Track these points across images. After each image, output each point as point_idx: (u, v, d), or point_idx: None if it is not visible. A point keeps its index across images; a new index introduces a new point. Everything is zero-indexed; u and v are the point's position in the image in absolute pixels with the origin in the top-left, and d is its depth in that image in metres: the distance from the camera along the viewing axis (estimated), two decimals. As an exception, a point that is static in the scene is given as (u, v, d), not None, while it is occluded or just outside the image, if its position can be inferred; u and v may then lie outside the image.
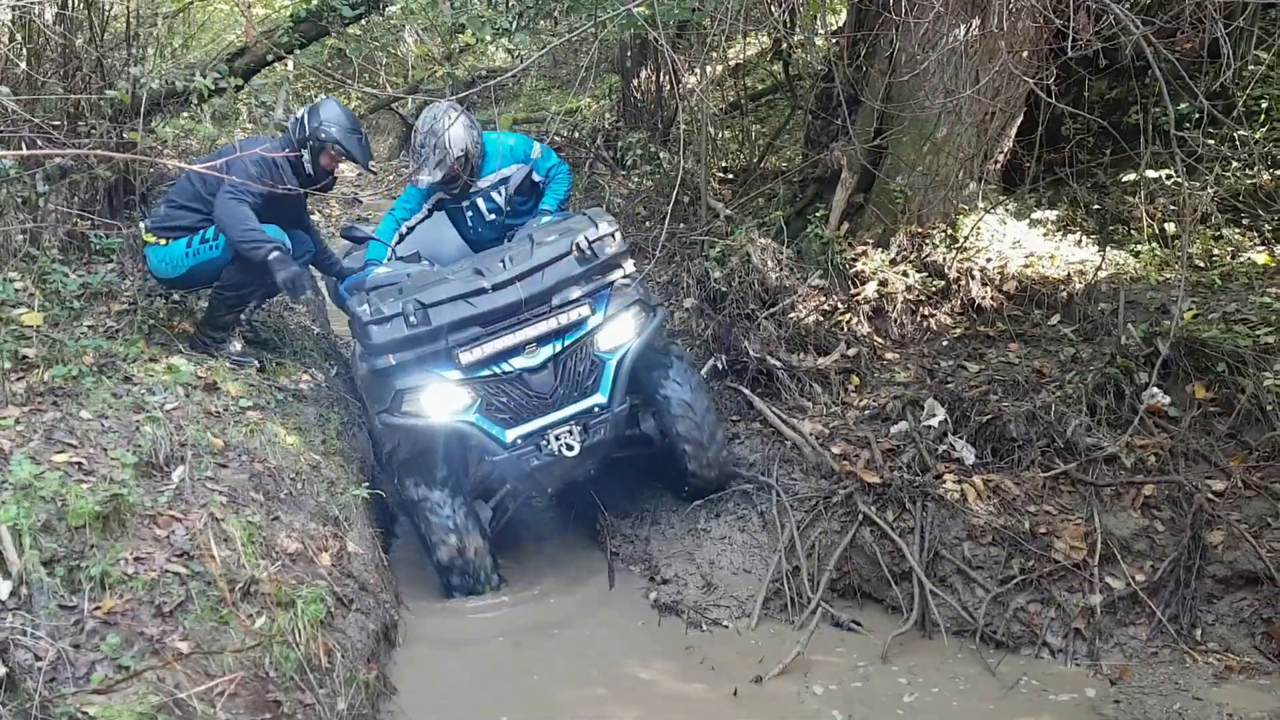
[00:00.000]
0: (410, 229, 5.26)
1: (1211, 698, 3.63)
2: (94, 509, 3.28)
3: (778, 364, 5.65)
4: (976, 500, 4.51)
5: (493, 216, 5.31)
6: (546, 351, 4.44)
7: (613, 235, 4.65)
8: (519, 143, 5.32)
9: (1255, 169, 5.93)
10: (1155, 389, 4.69)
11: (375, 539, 4.65)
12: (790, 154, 8.63)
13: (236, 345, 5.09)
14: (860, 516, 4.55)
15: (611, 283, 4.63)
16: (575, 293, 4.49)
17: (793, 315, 5.96)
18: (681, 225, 7.11)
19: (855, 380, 5.59)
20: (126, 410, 4.01)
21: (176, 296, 5.24)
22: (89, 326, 4.59)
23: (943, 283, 6.03)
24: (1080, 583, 4.18)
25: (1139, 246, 5.93)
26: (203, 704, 2.89)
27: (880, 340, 5.88)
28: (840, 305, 6.04)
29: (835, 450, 4.97)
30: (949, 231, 6.15)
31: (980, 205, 6.22)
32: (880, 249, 6.21)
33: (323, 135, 4.84)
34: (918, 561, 4.36)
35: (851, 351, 5.79)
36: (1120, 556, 4.22)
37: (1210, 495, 4.26)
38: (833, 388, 5.57)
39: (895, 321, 5.98)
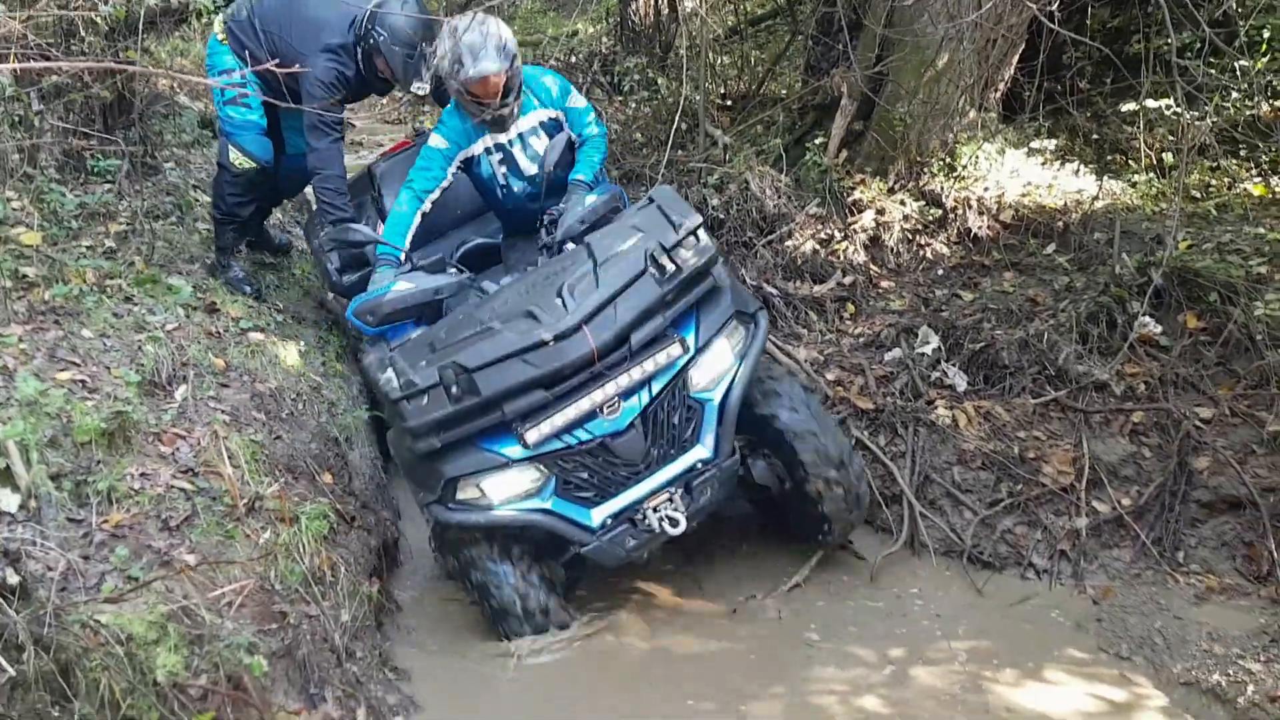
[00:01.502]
0: (434, 204, 4.20)
1: (1191, 617, 3.74)
2: (99, 425, 3.33)
3: (774, 291, 5.68)
4: (967, 426, 4.58)
5: (533, 170, 4.27)
6: (631, 407, 3.49)
7: (695, 233, 3.63)
8: (554, 81, 4.28)
9: (1255, 99, 5.92)
10: (1147, 318, 4.73)
11: (376, 460, 4.72)
12: (790, 80, 8.56)
13: (236, 270, 5.08)
14: (853, 441, 4.62)
15: (700, 298, 3.64)
16: (658, 323, 3.48)
17: (790, 243, 5.97)
18: (680, 152, 7.07)
19: (851, 308, 5.63)
20: (128, 330, 4.04)
21: (175, 218, 5.24)
22: (88, 247, 4.60)
23: (940, 212, 6.03)
24: (1067, 506, 4.28)
25: (1136, 176, 5.93)
26: (211, 614, 2.97)
27: (876, 269, 5.91)
28: (837, 234, 6.05)
29: (830, 377, 5.03)
30: (947, 160, 6.14)
31: (980, 134, 6.20)
32: (878, 177, 6.20)
33: (372, 40, 4.49)
34: (908, 485, 4.45)
35: (847, 280, 5.81)
36: (1107, 481, 4.30)
37: (1198, 422, 4.34)
38: (828, 315, 5.62)
39: (891, 250, 5.99)
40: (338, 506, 3.88)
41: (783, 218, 6.05)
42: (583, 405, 3.40)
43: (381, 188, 4.92)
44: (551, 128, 4.25)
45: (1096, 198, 5.76)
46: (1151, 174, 5.87)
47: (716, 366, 3.61)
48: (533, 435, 3.39)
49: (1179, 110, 5.05)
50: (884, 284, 5.77)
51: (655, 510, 3.54)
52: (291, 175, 5.16)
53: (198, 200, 5.45)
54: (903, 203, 6.05)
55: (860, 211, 6.08)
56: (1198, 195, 5.78)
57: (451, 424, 3.40)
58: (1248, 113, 5.99)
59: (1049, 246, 5.69)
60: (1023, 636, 3.80)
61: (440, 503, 3.55)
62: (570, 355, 3.34)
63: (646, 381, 3.48)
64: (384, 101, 13.15)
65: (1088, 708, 3.40)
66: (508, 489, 3.51)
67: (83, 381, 3.62)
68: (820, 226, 6.07)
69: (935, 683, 3.52)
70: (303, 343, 4.87)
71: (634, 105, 8.51)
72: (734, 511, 4.27)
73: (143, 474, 3.35)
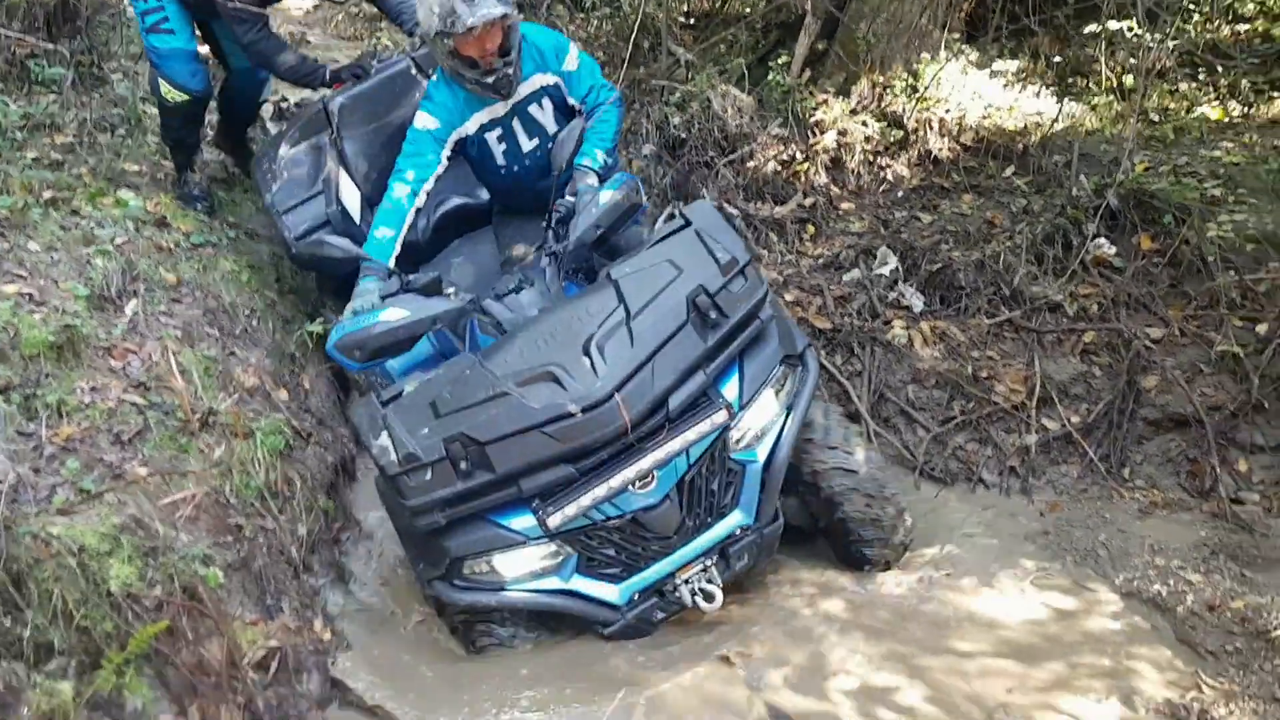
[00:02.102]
0: (429, 195, 3.66)
1: (1135, 530, 3.84)
2: (47, 339, 3.28)
3: (735, 212, 5.65)
4: (923, 345, 4.63)
5: (533, 144, 3.77)
6: (666, 476, 3.03)
7: (744, 269, 3.11)
8: (550, 42, 3.71)
9: (1215, 22, 5.92)
10: (1102, 239, 4.78)
11: (333, 378, 4.69)
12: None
13: (190, 187, 4.87)
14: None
15: (746, 344, 3.13)
16: (700, 382, 2.99)
17: (751, 164, 5.93)
18: (641, 70, 6.97)
19: (811, 229, 5.63)
20: (76, 243, 3.95)
21: (124, 130, 5.11)
22: (33, 159, 4.48)
23: (901, 133, 6.01)
24: (1017, 424, 4.35)
25: (1096, 99, 5.95)
26: (165, 526, 2.97)
27: (837, 190, 5.89)
28: (799, 154, 6.01)
29: (788, 298, 5.04)
30: (910, 81, 6.10)
31: (943, 55, 6.16)
32: (841, 98, 6.15)
33: None
34: (863, 403, 4.50)
35: (808, 201, 5.80)
36: (1057, 400, 4.38)
37: (1148, 343, 4.41)
38: (788, 236, 5.61)
39: (853, 172, 5.97)
40: (294, 423, 3.86)
41: (745, 137, 6.00)
42: (613, 483, 2.94)
43: (341, 128, 4.26)
44: (554, 94, 3.74)
45: (1056, 120, 5.76)
46: (1111, 96, 5.89)
47: (761, 421, 3.16)
48: (556, 519, 2.96)
49: (1140, 32, 5.05)
50: (844, 205, 5.77)
51: (687, 582, 3.16)
52: (247, 92, 5.01)
53: (146, 113, 5.30)
54: (864, 123, 6.02)
55: (822, 132, 6.04)
56: (1156, 118, 5.81)
57: (460, 502, 2.97)
58: (1207, 36, 6.00)
59: (1008, 169, 5.70)
60: (973, 549, 3.88)
61: (444, 580, 3.14)
62: (601, 429, 2.87)
63: (685, 449, 3.02)
64: (339, 17, 12.84)
65: (1037, 615, 3.48)
66: (522, 566, 3.11)
67: (30, 295, 3.55)
68: (782, 147, 6.03)
69: (892, 591, 3.58)
70: (257, 258, 4.80)
71: (596, 22, 8.36)
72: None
73: (93, 388, 3.31)
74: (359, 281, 3.44)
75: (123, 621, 2.62)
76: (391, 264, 3.50)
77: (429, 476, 2.92)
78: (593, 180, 3.58)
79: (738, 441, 3.12)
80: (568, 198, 3.57)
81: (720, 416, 3.01)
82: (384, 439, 2.97)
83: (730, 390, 3.08)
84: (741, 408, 3.08)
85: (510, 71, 3.52)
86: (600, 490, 2.94)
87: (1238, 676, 3.09)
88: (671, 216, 3.36)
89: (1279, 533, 3.74)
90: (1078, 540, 3.82)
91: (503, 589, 3.11)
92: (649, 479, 2.98)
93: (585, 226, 3.34)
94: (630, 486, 2.96)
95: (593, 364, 2.93)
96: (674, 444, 2.96)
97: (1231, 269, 4.46)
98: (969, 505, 4.17)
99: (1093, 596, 3.57)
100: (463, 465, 2.88)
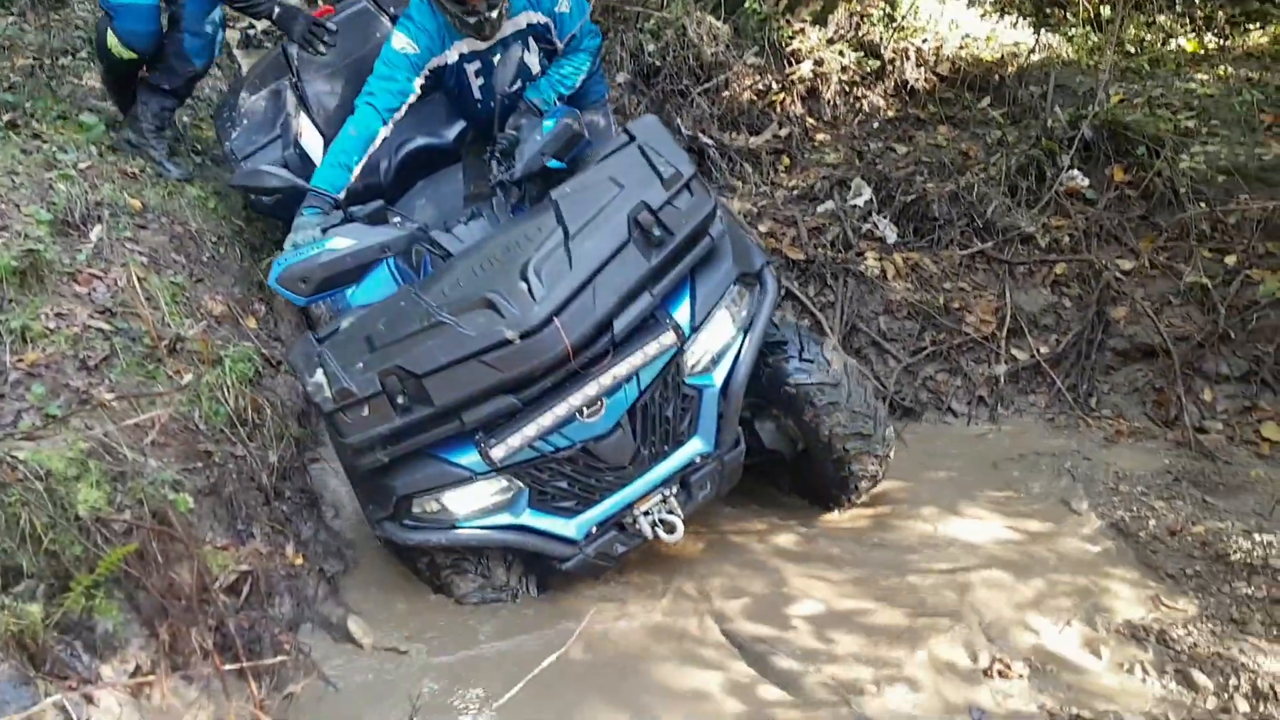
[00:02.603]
0: (396, 124, 3.45)
1: (1100, 458, 3.89)
2: (10, 264, 3.22)
3: (710, 142, 5.61)
4: (895, 277, 4.64)
5: (514, 82, 3.53)
6: (616, 403, 2.89)
7: (689, 183, 2.93)
8: None
9: (1195, -48, 5.87)
10: (1075, 171, 4.79)
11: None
12: (731, -74, 8.28)
13: (163, 150, 4.43)
14: (783, 291, 4.64)
15: (696, 263, 2.96)
16: (646, 304, 2.82)
17: (726, 93, 5.86)
18: (615, -3, 6.87)
19: (786, 160, 5.60)
20: (37, 167, 3.87)
21: (85, 53, 4.98)
22: (-9, 82, 4.38)
23: (878, 63, 5.96)
24: (987, 354, 4.39)
25: (1073, 30, 5.90)
26: (133, 452, 2.95)
27: (813, 121, 5.85)
28: (775, 84, 5.95)
29: (762, 229, 5.03)
30: (888, 10, 6.04)
31: (920, -18, 6.10)
32: (818, 27, 6.09)
33: None
34: (835, 334, 4.52)
35: (783, 132, 5.76)
36: (1027, 330, 4.42)
37: (1118, 274, 4.44)
38: (763, 167, 5.58)
39: (828, 102, 5.93)
40: (263, 351, 3.83)
41: (720, 66, 5.93)
42: (559, 411, 2.80)
43: (301, 71, 4.12)
44: (542, 32, 3.56)
45: (1033, 51, 5.73)
46: (1088, 27, 5.84)
47: (716, 343, 3.00)
48: (499, 451, 2.82)
49: (1119, -39, 5.01)
50: (819, 136, 5.73)
51: (647, 514, 3.04)
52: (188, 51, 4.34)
53: (108, 36, 5.17)
54: (841, 53, 5.96)
55: (798, 62, 5.98)
56: (1132, 50, 5.79)
57: (400, 438, 2.82)
58: (1187, -34, 5.96)
59: (984, 100, 5.67)
60: (939, 478, 3.93)
61: (393, 520, 3.01)
62: (541, 355, 2.71)
63: (634, 374, 2.87)
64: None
65: (1004, 537, 3.55)
66: (472, 502, 2.98)
67: (-10, 219, 3.49)
68: (758, 77, 5.97)
69: (853, 524, 3.63)
70: (224, 185, 4.72)
71: (569, -51, 8.20)
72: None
73: (58, 314, 3.27)
74: (299, 213, 3.23)
75: (92, 545, 2.61)
76: (342, 196, 3.28)
77: (366, 413, 2.78)
78: (535, 114, 3.48)
79: (693, 366, 2.98)
80: (509, 131, 3.44)
81: (668, 338, 2.86)
82: (319, 375, 2.83)
83: (682, 313, 2.92)
84: (694, 330, 2.93)
85: (494, 16, 3.36)
86: (545, 420, 2.80)
87: (1196, 599, 3.15)
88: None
89: (1241, 460, 3.80)
90: (1044, 467, 3.87)
91: (454, 527, 2.99)
92: (597, 406, 2.84)
93: (531, 154, 3.22)
94: (578, 415, 2.83)
95: (530, 288, 2.74)
96: (620, 368, 2.82)
97: (1202, 201, 4.48)
98: (936, 434, 4.21)
99: (1058, 524, 3.63)
100: (400, 400, 2.75)
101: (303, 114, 4.07)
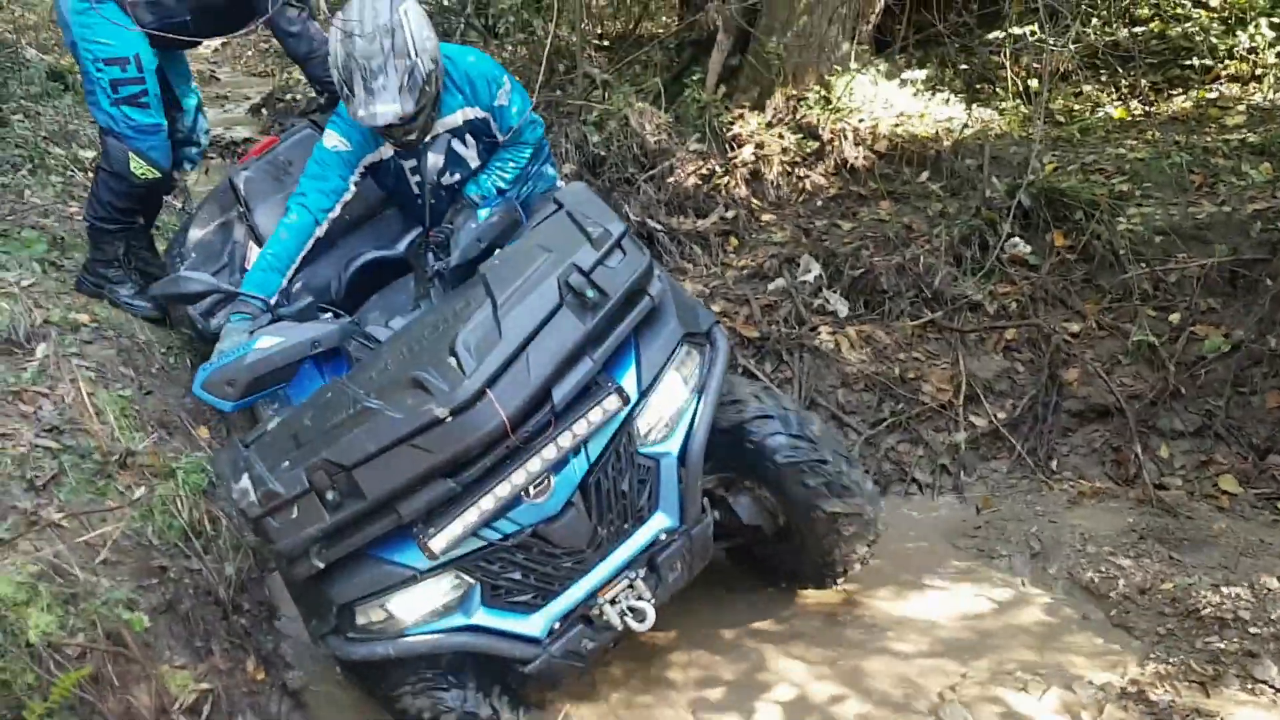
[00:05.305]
0: (332, 222, 3.40)
1: (1065, 520, 3.90)
2: (-48, 386, 3.16)
3: (658, 227, 5.68)
4: (850, 350, 4.67)
5: (453, 178, 3.53)
6: (566, 480, 2.70)
7: (620, 241, 2.79)
8: (483, 71, 3.43)
9: (1115, 25, 6.11)
10: (1017, 239, 4.89)
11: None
12: (666, 19, 8.52)
13: (128, 289, 4.28)
14: (739, 370, 4.66)
15: (637, 325, 2.79)
16: (586, 370, 2.65)
17: (671, 179, 5.96)
18: (558, 93, 6.99)
19: (734, 241, 5.67)
20: (-21, 287, 3.83)
21: (26, 170, 4.97)
22: (-72, 201, 4.34)
23: (817, 144, 6.09)
24: (946, 422, 4.41)
25: (1003, 103, 6.09)
26: (85, 572, 2.86)
27: (758, 202, 5.95)
28: (718, 168, 6.06)
29: (716, 308, 5.06)
30: (823, 93, 6.20)
31: (853, 66, 6.27)
32: (757, 111, 6.23)
33: None
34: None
35: (730, 214, 5.84)
36: (983, 396, 4.45)
37: (1067, 337, 4.51)
38: (712, 249, 5.64)
39: (772, 183, 6.03)
40: (217, 460, 3.76)
41: (664, 153, 6.04)
42: (500, 492, 2.60)
43: (250, 201, 4.03)
44: (481, 128, 3.48)
45: (966, 125, 5.89)
46: (1018, 100, 6.03)
47: (668, 408, 2.83)
48: (439, 542, 2.59)
49: (1043, 36, 5.18)
50: (765, 216, 5.82)
51: (614, 602, 2.81)
52: (193, 137, 4.52)
53: (49, 153, 5.17)
54: (781, 136, 6.10)
55: (740, 146, 6.10)
56: (1062, 119, 5.97)
57: (333, 538, 2.60)
58: (1107, 38, 6.19)
59: (922, 174, 5.80)
60: (907, 551, 3.91)
61: (336, 634, 2.76)
62: (475, 432, 2.51)
63: (581, 445, 2.69)
64: (249, 53, 12.69)
65: (974, 609, 3.53)
66: (422, 606, 2.74)
67: (-69, 341, 3.42)
68: (701, 162, 6.08)
69: (824, 598, 3.60)
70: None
71: (510, 48, 8.36)
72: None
73: (3, 434, 3.19)
74: (227, 320, 3.16)
75: (45, 672, 2.51)
76: (274, 300, 3.19)
77: (295, 514, 2.56)
78: (472, 205, 3.44)
79: (646, 434, 2.81)
80: (445, 225, 3.42)
81: (612, 402, 2.67)
82: (244, 481, 2.63)
83: (628, 380, 2.76)
84: (642, 394, 2.76)
85: (415, 135, 3.30)
86: (487, 503, 2.60)
87: (1171, 656, 3.15)
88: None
89: (1203, 515, 3.82)
90: (1010, 533, 3.87)
91: (403, 635, 2.73)
92: (544, 485, 2.66)
93: (467, 241, 3.13)
94: (523, 495, 2.64)
95: (460, 363, 2.56)
96: (564, 439, 2.63)
97: (1142, 261, 4.58)
98: (900, 507, 4.21)
99: (1028, 588, 3.63)
100: (329, 496, 2.54)
101: (251, 242, 3.98)
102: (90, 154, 4.82)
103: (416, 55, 3.07)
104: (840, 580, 3.48)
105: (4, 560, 2.73)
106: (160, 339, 4.21)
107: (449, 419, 2.50)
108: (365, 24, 3.03)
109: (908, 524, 4.09)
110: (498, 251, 2.99)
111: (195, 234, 4.11)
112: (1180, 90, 6.15)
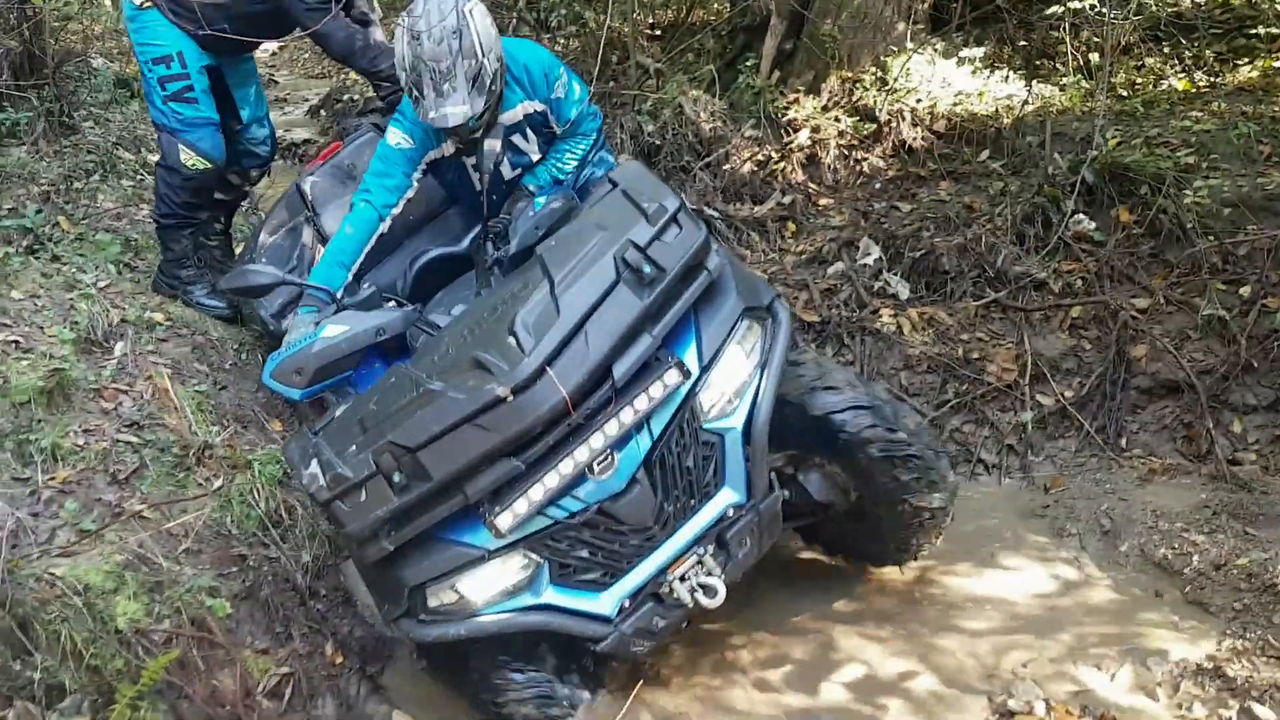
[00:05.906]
0: (395, 219, 3.44)
1: (1136, 498, 3.84)
2: (36, 384, 3.28)
3: (715, 214, 5.68)
4: (912, 331, 4.64)
5: (514, 172, 3.54)
6: (630, 457, 2.69)
7: (676, 216, 2.76)
8: (541, 64, 3.41)
9: (1176, -5, 5.98)
10: (1081, 215, 4.81)
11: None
12: (718, 6, 8.49)
13: (201, 289, 4.45)
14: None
15: (696, 300, 2.77)
16: (646, 345, 2.63)
17: (727, 166, 5.96)
18: (612, 84, 7.01)
19: (792, 227, 5.65)
20: (58, 289, 3.96)
21: (98, 176, 5.11)
22: (9, 209, 4.48)
23: (874, 126, 6.05)
24: (1012, 402, 4.37)
25: (1064, 79, 5.99)
26: (169, 561, 2.96)
27: (815, 186, 5.92)
28: (774, 154, 6.04)
29: (775, 294, 5.06)
30: (879, 74, 6.15)
31: (909, 46, 6.21)
32: (812, 95, 6.20)
33: None
34: (858, 392, 4.51)
35: (787, 199, 5.82)
36: (1049, 375, 4.39)
37: (1134, 313, 4.43)
38: (770, 235, 5.63)
39: (829, 167, 6.00)
40: (290, 452, 3.85)
41: (719, 140, 6.04)
42: (564, 469, 2.59)
43: (316, 205, 4.11)
44: (539, 121, 3.48)
45: (1026, 102, 5.81)
46: (1079, 75, 5.92)
47: (732, 383, 2.80)
48: (505, 520, 2.59)
49: (1103, 9, 5.09)
50: (823, 201, 5.79)
51: (683, 579, 2.78)
52: (252, 147, 4.61)
53: (120, 158, 5.32)
54: (837, 119, 6.06)
55: (796, 130, 6.08)
56: (1125, 93, 5.85)
57: (401, 521, 2.63)
58: (1169, 10, 6.06)
59: (983, 153, 5.73)
60: (977, 530, 3.88)
61: (409, 616, 2.78)
62: (537, 410, 2.51)
63: (644, 422, 2.68)
64: (307, 55, 12.89)
65: (1045, 589, 3.50)
66: (491, 586, 2.74)
67: (15, 342, 3.54)
68: (757, 148, 6.07)
69: (894, 577, 3.59)
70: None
71: (563, 40, 8.40)
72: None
73: (86, 430, 3.31)
74: (295, 312, 3.21)
75: (133, 657, 2.61)
76: (340, 294, 3.23)
77: (363, 497, 2.59)
78: (527, 197, 3.46)
79: (710, 409, 2.78)
80: (503, 215, 3.44)
81: (672, 376, 2.64)
82: (313, 466, 2.67)
83: (690, 355, 2.73)
84: (704, 369, 2.74)
85: (479, 134, 3.32)
86: (551, 480, 2.58)
87: (1249, 631, 3.09)
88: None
89: (1278, 489, 3.74)
90: (1081, 511, 3.83)
91: (475, 615, 2.74)
92: (608, 461, 2.64)
93: (525, 229, 3.11)
94: (588, 473, 2.63)
95: (519, 342, 2.56)
96: (625, 415, 2.60)
97: (1210, 234, 4.48)
98: (968, 488, 4.17)
99: (1099, 567, 3.59)
100: (396, 478, 2.55)
101: (319, 244, 4.04)
102: (157, 158, 4.96)
103: (483, 55, 3.08)
104: (913, 560, 3.48)
105: (92, 550, 2.84)
106: (232, 336, 4.32)
107: (510, 398, 2.49)
108: (432, 25, 3.04)
109: (976, 504, 4.06)
110: (554, 234, 2.99)
111: (265, 238, 4.20)
112: (1246, 60, 6.00)
